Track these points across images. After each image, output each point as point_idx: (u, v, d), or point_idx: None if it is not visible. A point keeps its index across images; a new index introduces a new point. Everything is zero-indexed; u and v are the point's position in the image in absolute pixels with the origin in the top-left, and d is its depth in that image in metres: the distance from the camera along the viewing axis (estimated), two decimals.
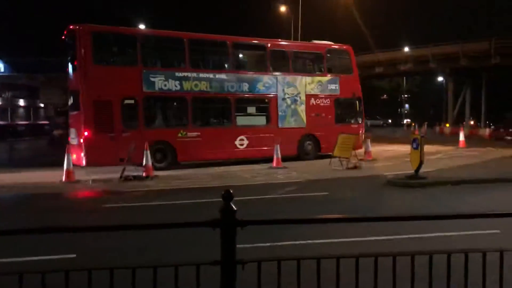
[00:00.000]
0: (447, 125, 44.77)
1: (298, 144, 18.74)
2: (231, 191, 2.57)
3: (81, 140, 15.05)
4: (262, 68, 18.39)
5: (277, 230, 6.74)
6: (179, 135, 16.48)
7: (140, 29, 16.59)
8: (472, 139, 29.90)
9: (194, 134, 16.64)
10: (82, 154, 14.95)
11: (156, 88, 16.18)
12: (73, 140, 15.88)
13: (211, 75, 17.15)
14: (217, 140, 16.91)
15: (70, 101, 16.75)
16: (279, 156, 16.35)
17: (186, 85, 16.63)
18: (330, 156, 16.79)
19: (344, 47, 20.32)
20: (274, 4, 38.28)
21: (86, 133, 15.00)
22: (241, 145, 17.54)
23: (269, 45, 18.57)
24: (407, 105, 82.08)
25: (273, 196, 10.64)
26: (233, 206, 2.54)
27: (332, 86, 19.50)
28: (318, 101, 19.19)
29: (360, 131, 19.91)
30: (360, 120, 20.32)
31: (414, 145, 12.24)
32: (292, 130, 18.59)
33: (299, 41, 19.64)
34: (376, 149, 22.11)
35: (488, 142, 28.64)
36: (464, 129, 28.76)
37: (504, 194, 10.52)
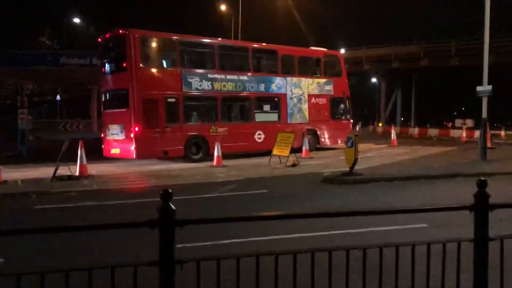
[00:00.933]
0: (380, 124, 46.74)
1: (303, 138, 20.77)
2: (170, 190, 2.53)
3: (132, 135, 16.62)
4: (274, 70, 21.05)
5: (217, 229, 6.73)
6: (211, 130, 18.61)
7: (180, 34, 18.62)
8: (402, 138, 31.41)
9: (223, 129, 18.87)
10: (132, 148, 16.51)
11: (193, 88, 18.23)
12: (116, 135, 17.37)
13: (235, 77, 19.50)
14: (241, 134, 19.08)
15: (105, 99, 18.48)
16: (220, 154, 16.32)
17: (217, 85, 18.84)
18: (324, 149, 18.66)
19: (335, 53, 24.66)
20: (215, 2, 38.43)
21: (136, 129, 16.65)
22: (259, 138, 19.92)
23: (280, 50, 21.32)
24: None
25: (213, 194, 10.59)
26: (172, 206, 2.51)
27: (328, 87, 22.77)
28: (317, 100, 22.31)
29: (350, 126, 23.59)
30: (349, 116, 23.65)
31: (349, 144, 12.65)
32: (298, 126, 21.21)
33: (302, 47, 23.29)
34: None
35: (417, 140, 30.20)
36: (395, 128, 30.13)
37: (431, 189, 11.12)
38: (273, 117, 20.79)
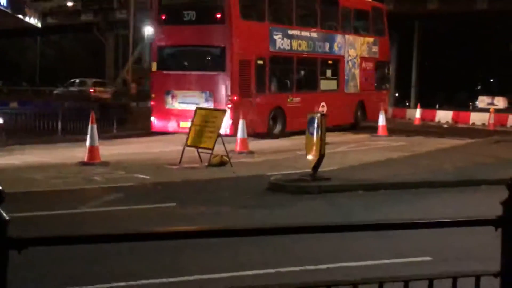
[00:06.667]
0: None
1: (354, 111, 26.90)
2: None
3: (229, 106, 20.77)
4: (335, 26, 26.57)
5: (80, 262, 6.83)
6: (288, 100, 23.64)
7: None
8: (396, 124, 32.31)
9: (297, 99, 24.01)
10: (230, 123, 20.30)
11: (277, 48, 23.24)
12: (195, 105, 20.47)
13: (308, 34, 24.75)
14: (308, 106, 22.58)
15: (166, 56, 23.08)
16: (97, 143, 16.06)
17: (294, 45, 23.98)
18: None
19: (381, 5, 30.36)
20: None
21: (235, 98, 21.12)
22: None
23: (341, 0, 26.49)
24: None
25: (81, 210, 10.53)
26: (4, 215, 2.63)
27: (374, 48, 28.71)
28: (366, 64, 28.14)
29: (387, 98, 30.32)
30: (388, 85, 30.17)
31: (311, 129, 12.75)
32: (351, 96, 27.04)
33: None
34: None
35: (419, 128, 31.20)
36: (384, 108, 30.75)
37: (438, 204, 11.52)
38: (333, 85, 26.44)
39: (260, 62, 22.31)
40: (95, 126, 16.17)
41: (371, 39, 28.48)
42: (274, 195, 12.06)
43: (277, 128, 23.01)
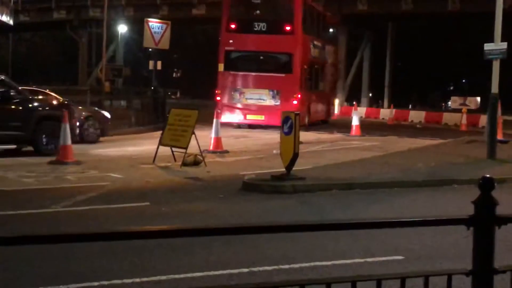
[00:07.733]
0: (336, 101, 47.98)
1: (327, 109, 33.60)
2: None
3: (294, 102, 25.86)
4: (324, 36, 33.32)
5: (52, 262, 6.68)
6: (313, 98, 29.88)
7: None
8: (370, 124, 32.55)
9: (314, 97, 30.35)
10: None
11: (311, 55, 29.67)
12: (261, 101, 26.58)
13: (317, 43, 31.20)
14: (317, 103, 30.95)
15: (234, 59, 27.54)
16: (69, 142, 15.91)
17: (315, 53, 30.58)
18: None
19: (337, 18, 37.95)
20: None
21: (299, 95, 26.44)
22: (318, 108, 31.75)
23: (325, 14, 33.87)
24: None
25: (54, 209, 10.40)
26: None
27: (334, 55, 36.01)
28: (331, 69, 34.96)
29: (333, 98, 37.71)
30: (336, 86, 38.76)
31: (286, 129, 12.76)
32: (328, 95, 34.14)
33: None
34: (227, 133, 22.85)
35: (392, 128, 31.43)
36: (358, 108, 31.10)
37: (410, 203, 11.65)
38: (323, 86, 32.83)
39: (305, 66, 27.95)
40: (67, 125, 16.03)
41: (334, 48, 36.23)
42: (248, 195, 12.02)
43: (306, 120, 27.22)
